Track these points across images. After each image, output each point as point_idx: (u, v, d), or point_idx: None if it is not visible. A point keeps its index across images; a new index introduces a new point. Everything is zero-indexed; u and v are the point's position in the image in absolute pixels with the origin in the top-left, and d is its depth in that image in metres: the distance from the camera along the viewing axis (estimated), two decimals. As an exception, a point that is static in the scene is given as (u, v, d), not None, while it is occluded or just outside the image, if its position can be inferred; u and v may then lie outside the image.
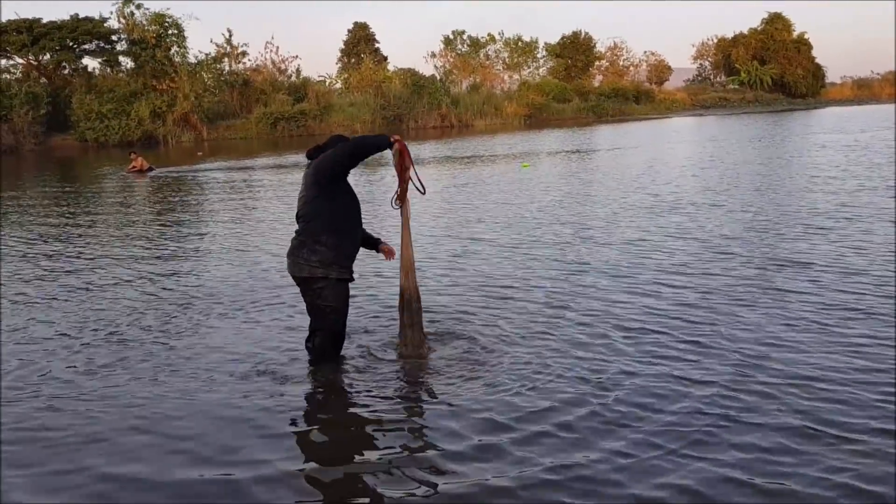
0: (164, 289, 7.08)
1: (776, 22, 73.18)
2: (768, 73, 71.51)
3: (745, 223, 9.31)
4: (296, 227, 4.68)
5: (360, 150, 4.53)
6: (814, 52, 74.27)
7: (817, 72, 75.14)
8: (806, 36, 74.24)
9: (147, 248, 9.40)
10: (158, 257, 8.78)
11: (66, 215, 12.98)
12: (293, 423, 4.03)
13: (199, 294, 6.79)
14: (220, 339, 5.42)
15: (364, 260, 5.65)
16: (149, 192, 17.11)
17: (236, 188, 17.05)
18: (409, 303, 4.86)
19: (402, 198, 4.76)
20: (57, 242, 10.12)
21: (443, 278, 6.96)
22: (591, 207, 11.38)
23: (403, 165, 4.70)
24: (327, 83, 54.73)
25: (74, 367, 4.91)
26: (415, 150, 27.92)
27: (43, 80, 41.90)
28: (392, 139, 4.60)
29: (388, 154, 4.74)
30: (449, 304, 6.02)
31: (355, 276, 4.74)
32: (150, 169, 20.80)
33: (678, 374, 4.37)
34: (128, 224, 11.76)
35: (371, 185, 16.05)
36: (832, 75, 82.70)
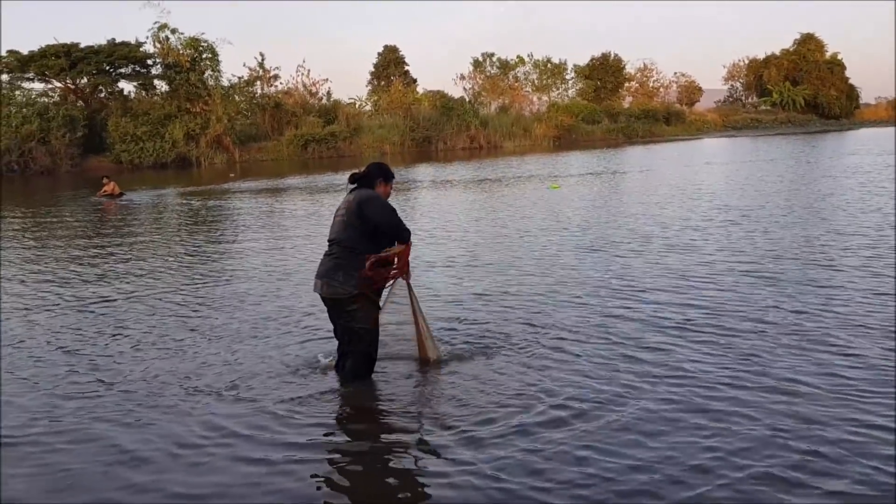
0: (196, 307, 7.11)
1: (808, 43, 72.65)
2: (801, 94, 70.82)
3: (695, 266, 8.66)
4: (326, 248, 4.67)
5: (392, 231, 4.62)
6: (847, 73, 73.65)
7: (851, 92, 74.35)
8: (839, 56, 73.60)
9: (179, 268, 9.48)
10: (189, 277, 8.82)
11: (87, 236, 13.16)
12: (325, 446, 3.99)
13: (228, 313, 6.81)
14: (248, 361, 5.40)
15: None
16: (175, 215, 17.31)
17: (267, 209, 17.17)
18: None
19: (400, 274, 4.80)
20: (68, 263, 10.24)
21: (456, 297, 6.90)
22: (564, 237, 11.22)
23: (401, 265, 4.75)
24: (357, 105, 55.20)
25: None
26: (444, 171, 28.00)
27: (80, 103, 42.78)
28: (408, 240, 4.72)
29: (404, 180, 4.62)
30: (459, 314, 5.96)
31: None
32: (122, 195, 21.23)
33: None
34: (153, 244, 11.87)
35: (399, 205, 15.99)
36: (867, 96, 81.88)
